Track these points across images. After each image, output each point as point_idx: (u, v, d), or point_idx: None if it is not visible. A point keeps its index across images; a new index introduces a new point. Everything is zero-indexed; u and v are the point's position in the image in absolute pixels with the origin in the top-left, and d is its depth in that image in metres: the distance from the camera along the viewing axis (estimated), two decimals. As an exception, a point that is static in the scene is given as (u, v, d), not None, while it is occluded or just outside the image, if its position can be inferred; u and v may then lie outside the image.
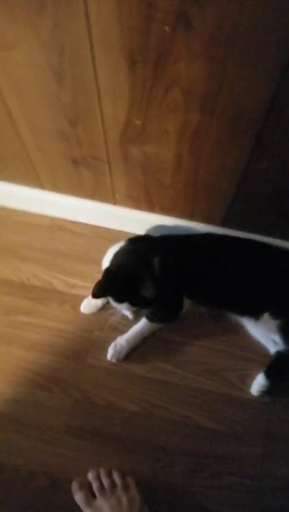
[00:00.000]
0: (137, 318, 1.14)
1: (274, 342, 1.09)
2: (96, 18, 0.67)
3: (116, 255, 1.05)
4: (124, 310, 1.07)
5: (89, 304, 1.18)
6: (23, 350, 1.12)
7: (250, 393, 1.07)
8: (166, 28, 0.65)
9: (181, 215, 1.16)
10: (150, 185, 1.06)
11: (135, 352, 1.12)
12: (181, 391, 1.08)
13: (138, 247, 1.08)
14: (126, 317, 1.15)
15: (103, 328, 1.15)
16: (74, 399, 1.07)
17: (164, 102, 0.79)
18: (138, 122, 0.86)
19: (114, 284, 0.97)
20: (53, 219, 1.32)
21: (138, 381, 1.09)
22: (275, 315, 1.04)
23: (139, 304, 1.01)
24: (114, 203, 1.19)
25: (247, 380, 1.09)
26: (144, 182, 1.06)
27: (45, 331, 1.15)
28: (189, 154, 0.92)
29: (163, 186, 1.05)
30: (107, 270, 0.99)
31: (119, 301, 1.00)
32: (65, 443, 1.02)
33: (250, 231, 1.15)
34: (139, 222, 1.22)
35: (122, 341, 1.11)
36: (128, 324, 1.14)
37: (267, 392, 1.05)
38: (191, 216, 1.15)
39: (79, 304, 1.18)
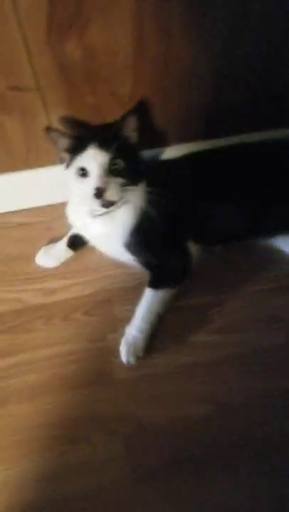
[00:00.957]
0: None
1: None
2: None
3: None
4: (85, 198, 0.69)
5: (47, 253, 0.91)
6: (26, 402, 0.77)
7: None
8: None
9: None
10: (104, 106, 0.76)
11: (161, 339, 0.81)
12: (247, 361, 0.79)
13: None
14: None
15: (115, 325, 0.83)
16: (122, 435, 0.73)
17: None
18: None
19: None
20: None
21: (191, 373, 0.78)
22: None
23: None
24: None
25: None
26: (94, 104, 0.75)
27: (43, 364, 0.81)
28: (154, 34, 0.63)
29: (121, 102, 0.75)
30: None
31: (84, 144, 0.68)
32: (142, 492, 0.68)
33: (237, 133, 0.91)
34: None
35: (131, 331, 0.80)
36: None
37: None
38: (165, 139, 0.87)
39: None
